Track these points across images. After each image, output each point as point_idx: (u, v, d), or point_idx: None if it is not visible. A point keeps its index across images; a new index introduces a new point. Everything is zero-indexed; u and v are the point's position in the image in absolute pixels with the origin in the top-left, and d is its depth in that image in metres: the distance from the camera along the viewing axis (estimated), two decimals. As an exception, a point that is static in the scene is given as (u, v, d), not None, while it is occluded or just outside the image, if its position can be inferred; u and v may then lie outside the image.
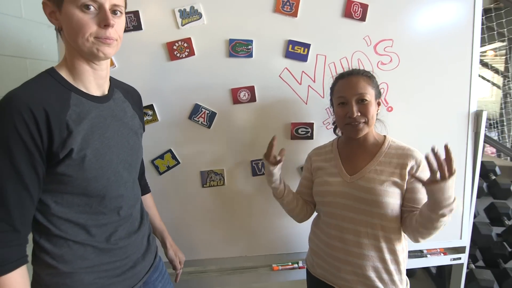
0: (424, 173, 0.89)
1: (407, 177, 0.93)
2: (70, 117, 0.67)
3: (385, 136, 1.03)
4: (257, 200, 1.28)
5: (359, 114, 0.94)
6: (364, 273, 0.94)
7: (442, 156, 0.77)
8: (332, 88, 1.05)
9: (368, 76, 0.99)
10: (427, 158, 0.76)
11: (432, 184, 0.77)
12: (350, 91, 0.95)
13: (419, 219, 0.87)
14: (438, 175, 0.76)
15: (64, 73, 0.72)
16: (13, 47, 1.28)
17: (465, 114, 1.35)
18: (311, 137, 1.27)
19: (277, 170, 1.05)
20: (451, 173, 0.75)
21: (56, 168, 0.66)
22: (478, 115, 1.35)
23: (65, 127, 0.66)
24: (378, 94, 1.00)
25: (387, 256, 0.94)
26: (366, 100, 0.94)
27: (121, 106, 0.81)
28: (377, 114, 1.01)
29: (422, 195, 0.92)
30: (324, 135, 1.27)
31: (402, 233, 0.96)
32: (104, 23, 0.68)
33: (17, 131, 0.61)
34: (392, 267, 0.94)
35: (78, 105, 0.70)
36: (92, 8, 0.67)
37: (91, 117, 0.71)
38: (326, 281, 1.01)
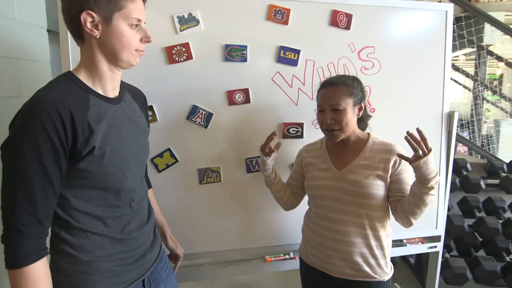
0: (406, 165, 1.01)
1: (390, 171, 1.02)
2: (90, 117, 0.72)
3: (369, 134, 1.12)
4: (251, 196, 1.36)
5: (332, 121, 1.03)
6: (352, 259, 1.04)
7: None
8: (316, 95, 1.14)
9: (347, 86, 1.05)
10: (406, 139, 0.91)
11: (416, 160, 0.91)
12: (325, 101, 1.05)
13: (411, 199, 0.98)
14: (420, 152, 0.90)
15: (82, 77, 0.77)
16: (7, 48, 1.28)
17: (438, 114, 1.48)
18: (301, 136, 1.36)
19: (270, 161, 1.15)
20: (427, 148, 0.90)
21: (78, 165, 0.71)
22: (450, 116, 1.49)
23: (87, 127, 0.71)
24: (359, 100, 1.07)
25: (373, 242, 1.04)
26: (339, 109, 1.03)
27: (131, 107, 0.87)
28: (360, 117, 1.09)
29: (406, 185, 1.03)
30: (313, 134, 1.36)
31: (387, 221, 1.07)
32: (146, 40, 0.80)
33: (45, 131, 0.65)
34: (377, 252, 1.04)
35: (97, 106, 0.75)
36: (137, 26, 0.78)
37: (108, 117, 0.77)
38: (319, 268, 1.10)
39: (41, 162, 0.66)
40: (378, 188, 1.02)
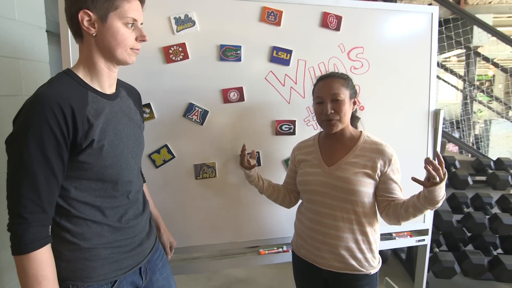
0: (395, 166, 1.06)
1: (378, 170, 1.05)
2: (89, 112, 0.77)
3: (361, 131, 1.14)
4: (245, 191, 1.40)
5: (333, 111, 1.06)
6: (339, 252, 1.07)
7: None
8: (313, 89, 1.18)
9: (343, 78, 1.09)
10: (426, 168, 0.90)
11: (433, 186, 0.91)
12: (325, 92, 1.08)
13: (410, 209, 1.00)
14: (437, 178, 0.90)
15: (81, 74, 0.81)
16: (7, 48, 1.31)
17: (425, 112, 1.54)
18: (293, 133, 1.41)
19: (253, 172, 1.21)
20: (444, 174, 0.91)
21: (78, 157, 0.75)
22: (436, 113, 1.55)
23: (86, 121, 0.76)
24: (353, 94, 1.10)
25: (359, 237, 1.07)
26: (339, 99, 1.05)
27: (127, 103, 0.92)
28: (354, 111, 1.14)
29: (394, 185, 1.06)
30: (305, 131, 1.41)
31: (374, 217, 1.10)
32: (141, 39, 0.83)
33: (48, 124, 0.69)
34: (364, 246, 1.08)
35: (95, 101, 0.80)
36: (132, 25, 0.81)
37: (106, 112, 0.81)
38: (308, 260, 1.14)
39: (45, 154, 0.70)
40: (366, 185, 1.05)
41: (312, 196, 1.12)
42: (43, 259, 0.72)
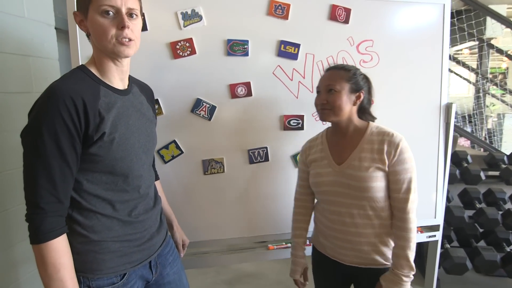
0: (403, 155, 1.01)
1: (386, 161, 1.01)
2: (101, 106, 0.78)
3: (368, 123, 1.10)
4: (254, 186, 1.40)
5: (325, 102, 1.05)
6: (361, 248, 1.05)
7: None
8: None
9: (346, 70, 1.06)
10: None
11: None
12: (322, 82, 1.08)
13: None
14: None
15: (93, 70, 0.83)
16: (17, 46, 1.33)
17: (437, 106, 1.51)
18: (301, 128, 1.40)
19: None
20: None
21: (90, 149, 0.77)
22: (448, 107, 1.52)
23: (98, 114, 0.77)
24: (356, 88, 1.06)
25: (381, 231, 1.05)
26: (334, 90, 1.04)
27: (139, 99, 0.92)
28: (360, 107, 1.10)
29: (398, 178, 1.02)
30: (314, 126, 1.40)
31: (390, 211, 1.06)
32: (121, 25, 0.77)
33: (61, 117, 0.71)
34: (386, 239, 1.06)
35: (106, 96, 0.81)
36: (111, 13, 0.77)
37: (117, 106, 0.82)
38: (331, 257, 1.12)
39: (59, 145, 0.72)
40: (378, 179, 1.02)
41: (326, 197, 1.11)
42: (61, 248, 0.74)
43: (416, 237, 1.02)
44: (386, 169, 1.02)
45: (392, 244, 1.06)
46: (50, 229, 0.72)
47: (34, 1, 1.43)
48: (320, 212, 1.17)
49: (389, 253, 1.06)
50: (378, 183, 1.02)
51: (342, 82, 1.05)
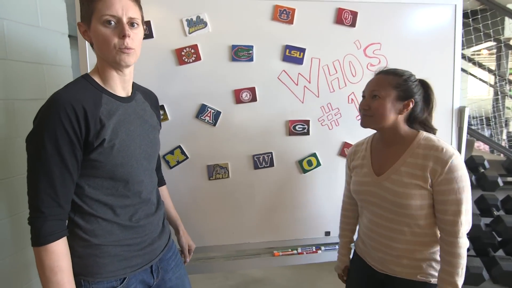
0: (452, 174, 0.89)
1: (429, 179, 0.92)
2: (102, 113, 0.80)
3: (418, 132, 1.00)
4: (259, 191, 1.39)
5: (367, 108, 0.99)
6: (397, 261, 1.00)
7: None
8: None
9: (396, 75, 0.99)
10: None
11: None
12: (368, 87, 1.03)
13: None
14: None
15: (96, 78, 0.85)
16: (31, 54, 1.38)
17: (449, 110, 1.46)
18: (307, 133, 1.38)
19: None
20: None
21: (90, 155, 0.78)
22: (461, 111, 1.46)
23: (99, 121, 0.79)
24: (405, 95, 0.98)
25: (419, 248, 0.98)
26: (378, 96, 0.98)
27: (142, 106, 0.94)
28: (404, 114, 0.99)
29: (445, 199, 0.91)
30: (319, 131, 1.38)
31: (432, 229, 0.97)
32: (121, 34, 0.79)
33: (62, 124, 0.73)
34: (423, 255, 0.98)
35: (108, 103, 0.83)
36: (112, 23, 0.79)
37: (119, 113, 0.84)
38: (364, 259, 1.10)
39: (60, 152, 0.74)
40: (417, 198, 0.93)
41: (365, 205, 1.08)
42: (59, 251, 0.76)
43: (465, 262, 0.92)
44: (429, 187, 0.93)
45: (428, 262, 0.99)
46: (50, 232, 0.74)
47: (48, 11, 1.48)
48: (361, 216, 1.14)
49: (425, 268, 0.99)
50: (416, 202, 0.94)
51: (388, 88, 0.98)
